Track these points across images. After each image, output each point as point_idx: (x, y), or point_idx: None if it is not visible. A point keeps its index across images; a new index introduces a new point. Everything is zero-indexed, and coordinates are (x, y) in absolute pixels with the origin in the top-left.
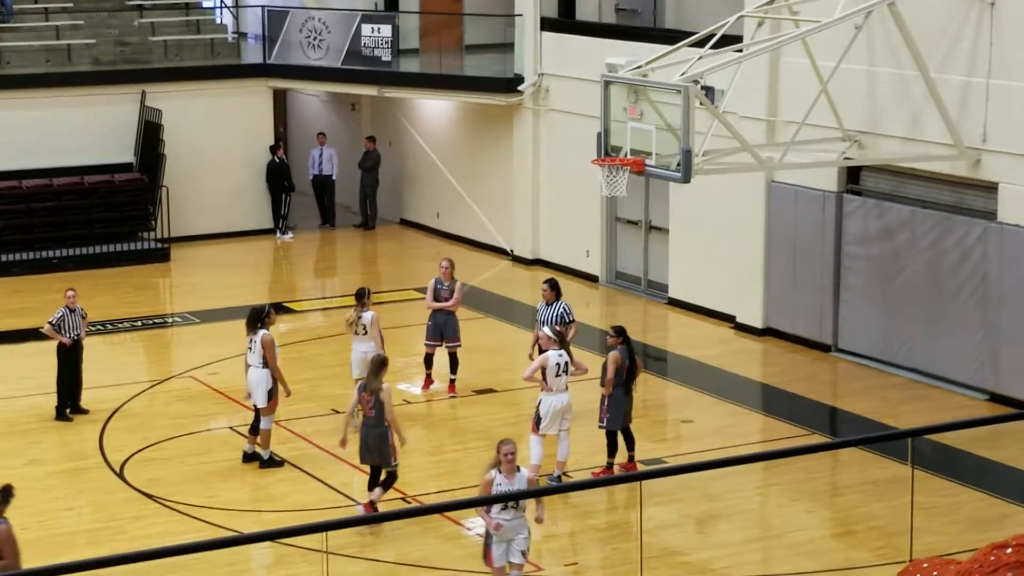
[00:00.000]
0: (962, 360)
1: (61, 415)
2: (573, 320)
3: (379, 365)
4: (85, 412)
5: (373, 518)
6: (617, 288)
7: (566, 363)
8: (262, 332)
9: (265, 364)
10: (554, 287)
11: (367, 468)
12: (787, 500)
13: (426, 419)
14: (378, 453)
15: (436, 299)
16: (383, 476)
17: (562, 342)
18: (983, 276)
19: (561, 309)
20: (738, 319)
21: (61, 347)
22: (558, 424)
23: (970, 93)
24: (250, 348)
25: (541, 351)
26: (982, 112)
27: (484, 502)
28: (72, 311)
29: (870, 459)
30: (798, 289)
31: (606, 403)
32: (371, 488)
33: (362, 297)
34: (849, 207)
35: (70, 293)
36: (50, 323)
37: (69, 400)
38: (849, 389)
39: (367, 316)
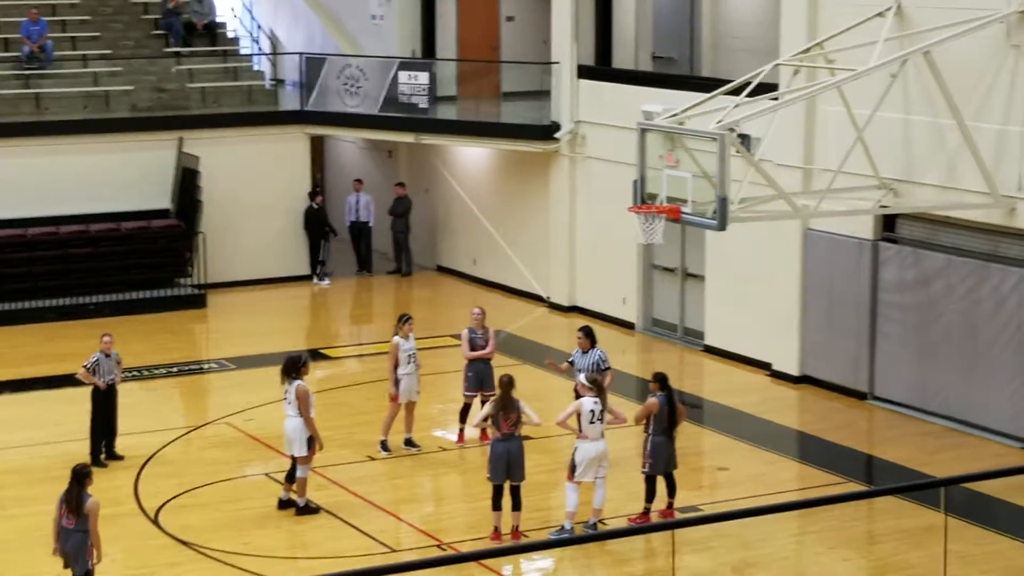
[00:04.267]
0: (998, 408)
1: (96, 460)
2: (608, 368)
3: (510, 384)
4: (120, 458)
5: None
6: (653, 335)
7: (601, 410)
8: (297, 382)
9: (301, 414)
10: (589, 335)
11: (400, 514)
12: (824, 548)
13: (460, 466)
14: (518, 468)
15: (473, 348)
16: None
17: (600, 390)
18: (1019, 324)
19: (597, 357)
20: (774, 367)
21: (95, 391)
22: (594, 471)
23: (1005, 141)
24: (286, 398)
25: (578, 398)
26: (1017, 160)
27: (517, 550)
28: (107, 356)
29: (906, 507)
30: (834, 337)
31: (648, 448)
32: (516, 508)
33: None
34: (885, 255)
35: (106, 338)
36: (84, 367)
37: (104, 445)
38: (885, 437)
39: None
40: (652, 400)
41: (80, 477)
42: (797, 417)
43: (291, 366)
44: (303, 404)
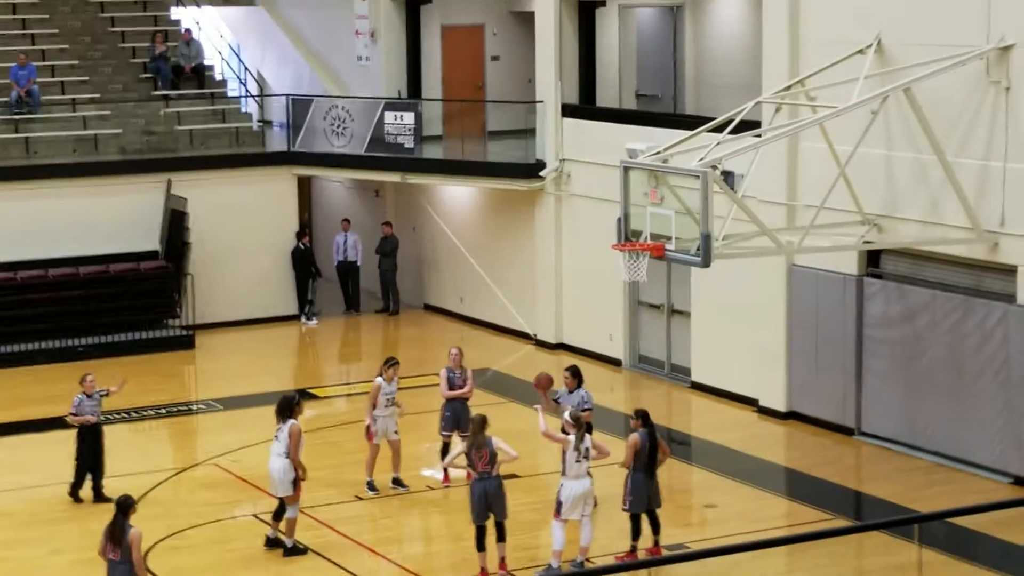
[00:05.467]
0: (985, 443)
1: (75, 496)
2: (590, 408)
3: (483, 423)
4: (108, 500)
5: None
6: (640, 372)
7: (587, 448)
8: (291, 422)
9: (289, 451)
10: (575, 374)
11: (388, 554)
12: None
13: (447, 505)
14: (500, 505)
15: (451, 388)
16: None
17: (582, 428)
18: (1004, 359)
19: (580, 397)
20: (761, 403)
21: (80, 431)
22: (580, 509)
23: (987, 177)
24: (276, 436)
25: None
26: (1000, 195)
27: None
28: (89, 396)
29: (895, 543)
30: (821, 372)
31: (628, 486)
32: (500, 540)
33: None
34: (870, 290)
35: (89, 378)
36: (72, 414)
37: (92, 486)
38: (873, 473)
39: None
40: (635, 436)
41: (124, 508)
42: (784, 453)
43: (285, 406)
44: (294, 442)
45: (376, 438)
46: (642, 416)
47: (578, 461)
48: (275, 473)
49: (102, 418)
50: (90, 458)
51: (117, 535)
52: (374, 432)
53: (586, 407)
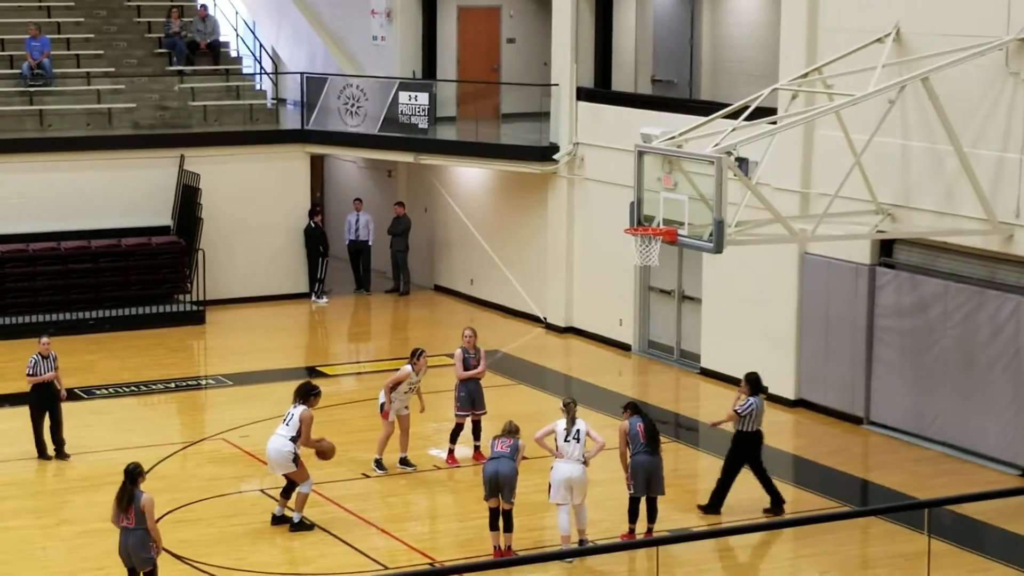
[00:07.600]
0: (994, 435)
1: (43, 453)
2: (743, 416)
3: (514, 430)
4: (66, 456)
5: None
6: (650, 357)
7: (577, 430)
8: (302, 407)
9: (294, 438)
10: (748, 380)
11: (394, 531)
12: (816, 573)
13: (452, 484)
14: (509, 489)
15: (466, 368)
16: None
17: (569, 412)
18: (1016, 351)
19: (748, 402)
20: (770, 390)
21: (33, 391)
22: (570, 496)
23: (1003, 168)
24: (286, 422)
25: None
26: (1015, 187)
27: (511, 563)
28: (45, 357)
29: (899, 532)
30: (830, 361)
31: (629, 470)
32: (507, 530)
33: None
34: (882, 280)
35: (44, 340)
36: (28, 374)
37: (53, 439)
38: (881, 462)
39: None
40: (623, 423)
41: (133, 476)
42: (792, 441)
43: (303, 390)
44: (306, 428)
45: (391, 416)
46: (632, 407)
47: (566, 441)
48: (272, 453)
49: (60, 382)
50: (40, 415)
51: (125, 502)
52: (388, 411)
53: (741, 412)
